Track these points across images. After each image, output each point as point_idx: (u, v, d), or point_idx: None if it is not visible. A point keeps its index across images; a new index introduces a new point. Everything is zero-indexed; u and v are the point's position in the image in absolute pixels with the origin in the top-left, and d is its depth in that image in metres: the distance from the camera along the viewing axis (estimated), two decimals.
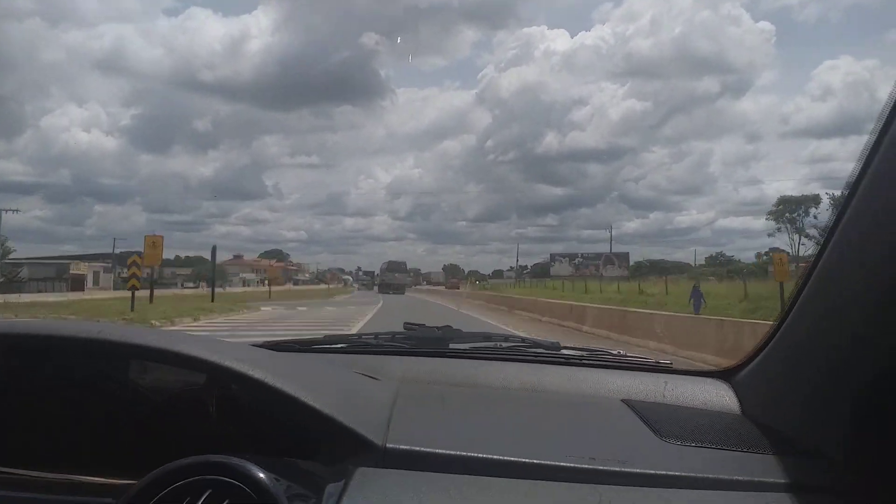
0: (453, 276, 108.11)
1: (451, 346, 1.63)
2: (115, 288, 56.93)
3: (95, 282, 58.82)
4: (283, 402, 0.84)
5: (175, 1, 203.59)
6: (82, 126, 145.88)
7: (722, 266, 69.32)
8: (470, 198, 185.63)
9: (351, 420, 0.86)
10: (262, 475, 0.71)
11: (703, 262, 79.25)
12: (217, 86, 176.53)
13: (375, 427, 0.88)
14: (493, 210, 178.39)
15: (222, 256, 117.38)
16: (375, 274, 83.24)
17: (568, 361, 1.50)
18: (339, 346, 1.65)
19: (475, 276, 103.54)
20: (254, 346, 1.32)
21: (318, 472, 0.80)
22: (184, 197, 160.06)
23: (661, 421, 1.06)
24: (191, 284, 78.92)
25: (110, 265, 62.49)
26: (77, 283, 51.58)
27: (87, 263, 60.59)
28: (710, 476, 0.84)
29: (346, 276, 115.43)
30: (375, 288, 74.52)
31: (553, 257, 72.15)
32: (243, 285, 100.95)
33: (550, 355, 1.55)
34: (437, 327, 1.80)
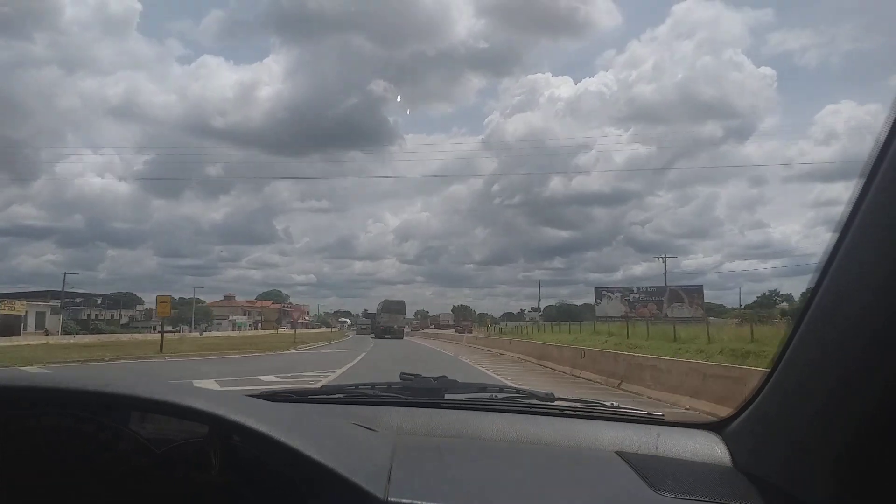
0: (464, 318, 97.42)
1: (447, 396, 1.64)
2: (66, 331, 50.08)
3: (39, 324, 49.62)
4: (285, 454, 0.85)
5: (188, 49, 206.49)
6: (96, 171, 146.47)
7: (771, 308, 59.94)
8: (477, 241, 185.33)
9: (352, 473, 0.86)
10: None
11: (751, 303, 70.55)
12: (228, 132, 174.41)
13: (376, 479, 0.89)
14: (501, 253, 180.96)
15: (213, 297, 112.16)
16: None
17: (562, 413, 1.52)
18: (335, 396, 1.68)
19: (489, 319, 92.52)
20: (250, 395, 1.36)
21: None
22: (195, 241, 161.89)
23: (655, 474, 1.08)
24: (170, 328, 70.35)
25: (59, 305, 53.53)
26: (8, 327, 42.46)
27: (23, 302, 51.63)
28: None
29: (344, 319, 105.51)
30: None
31: (599, 293, 55.67)
32: (233, 328, 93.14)
33: (545, 406, 1.58)
34: (433, 378, 1.83)
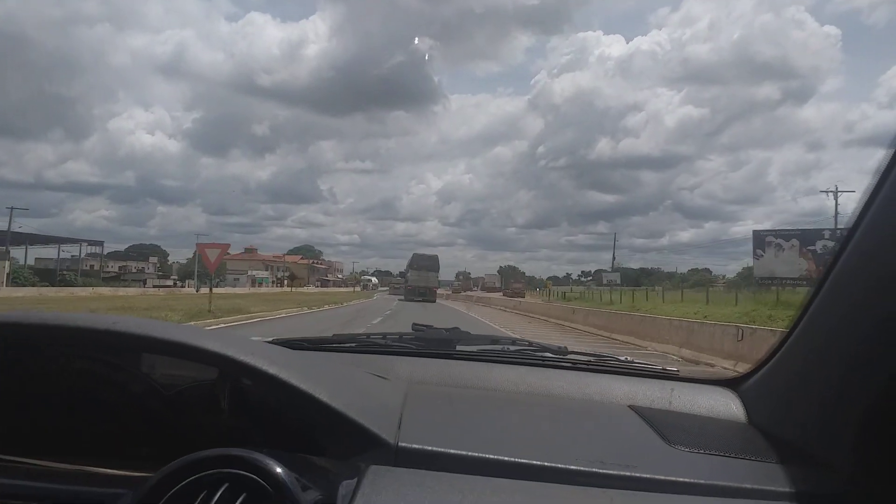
0: (515, 281, 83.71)
1: (459, 347, 1.64)
2: (10, 283, 40.34)
3: None
4: (295, 398, 0.84)
5: (235, 6, 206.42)
6: (147, 129, 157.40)
7: None
8: (520, 204, 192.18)
9: (363, 418, 0.86)
10: (279, 470, 0.70)
11: None
12: (274, 90, 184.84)
13: (387, 426, 0.89)
14: (543, 217, 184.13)
15: (235, 249, 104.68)
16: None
17: (575, 366, 1.51)
18: (348, 345, 1.68)
19: (548, 281, 77.96)
20: (265, 342, 1.34)
21: (332, 469, 0.79)
22: (242, 199, 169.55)
23: (669, 427, 1.07)
24: (169, 283, 60.26)
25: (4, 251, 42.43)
26: None
27: None
28: (719, 483, 0.85)
29: (369, 278, 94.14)
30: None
31: (761, 239, 32.45)
32: (252, 285, 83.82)
33: (558, 360, 1.56)
34: (445, 329, 1.84)
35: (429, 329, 1.85)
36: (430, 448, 0.85)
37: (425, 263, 48.36)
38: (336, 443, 0.84)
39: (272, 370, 0.84)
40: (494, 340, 1.77)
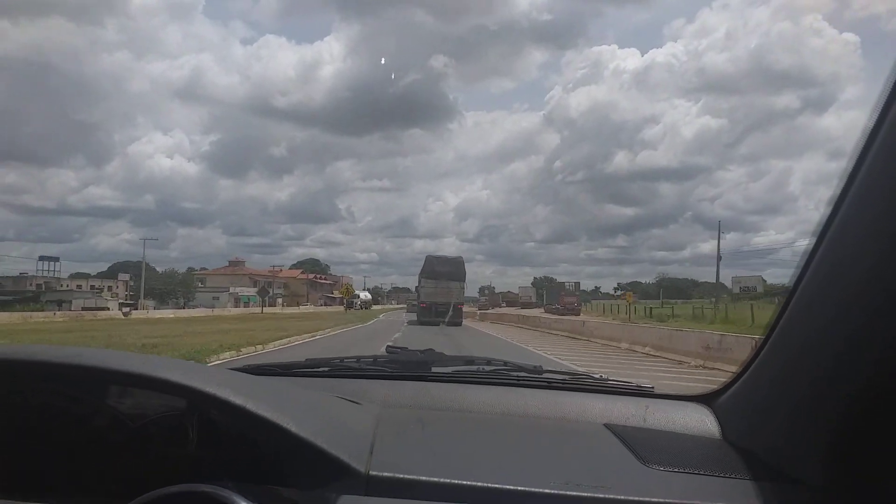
0: (567, 293, 66.07)
1: (434, 369, 1.62)
2: None
3: None
4: (263, 428, 0.83)
5: (251, 30, 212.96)
6: (166, 153, 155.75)
7: None
8: (538, 219, 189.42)
9: (333, 446, 0.85)
10: None
11: None
12: (291, 112, 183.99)
13: (358, 453, 0.88)
14: (562, 231, 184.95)
15: (220, 263, 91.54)
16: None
17: (550, 385, 1.50)
18: (320, 369, 1.64)
19: (628, 293, 58.02)
20: (233, 370, 1.33)
21: (301, 501, 0.80)
22: (261, 220, 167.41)
23: (644, 446, 1.07)
24: (126, 309, 45.86)
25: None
26: None
27: None
28: (693, 502, 0.85)
29: (358, 293, 75.23)
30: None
31: None
32: (236, 304, 69.93)
33: (533, 379, 1.55)
34: (419, 351, 1.81)
35: (403, 351, 1.81)
36: (401, 476, 0.83)
37: (445, 269, 32.18)
38: (306, 473, 0.83)
39: (238, 400, 0.83)
40: (469, 361, 1.73)
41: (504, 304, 77.43)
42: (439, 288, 31.64)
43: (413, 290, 46.14)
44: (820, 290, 0.88)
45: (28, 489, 0.86)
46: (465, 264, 34.13)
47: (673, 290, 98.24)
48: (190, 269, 77.07)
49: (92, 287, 65.44)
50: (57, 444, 0.92)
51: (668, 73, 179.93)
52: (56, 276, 63.46)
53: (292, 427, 0.83)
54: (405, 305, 67.95)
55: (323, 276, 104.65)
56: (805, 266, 0.90)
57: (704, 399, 1.29)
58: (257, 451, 0.86)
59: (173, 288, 66.06)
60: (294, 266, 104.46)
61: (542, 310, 65.79)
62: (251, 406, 0.82)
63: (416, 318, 32.93)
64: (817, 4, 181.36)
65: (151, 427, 0.92)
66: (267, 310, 54.47)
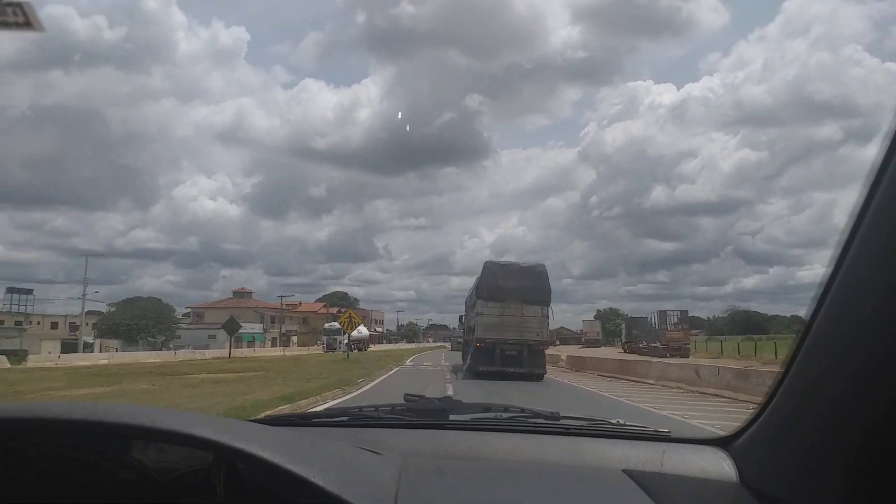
0: (669, 328, 49.49)
1: (452, 417, 1.63)
2: None
3: None
4: (290, 481, 0.83)
5: (291, 74, 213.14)
6: (209, 195, 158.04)
7: None
8: (575, 255, 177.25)
9: (359, 498, 0.85)
10: None
11: None
12: (329, 153, 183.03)
13: None
14: (599, 267, 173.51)
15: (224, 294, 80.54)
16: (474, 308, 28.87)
17: (567, 431, 1.51)
18: (339, 419, 1.66)
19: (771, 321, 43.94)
20: (252, 421, 1.35)
21: None
22: (300, 261, 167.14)
23: (663, 492, 1.07)
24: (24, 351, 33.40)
25: None
26: None
27: None
28: None
29: (332, 324, 54.28)
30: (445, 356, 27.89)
31: None
32: (237, 344, 57.03)
33: (550, 425, 1.56)
34: (437, 398, 1.82)
35: (421, 399, 1.82)
36: None
37: (518, 284, 18.36)
38: None
39: (265, 455, 0.83)
40: (486, 408, 1.76)
41: (558, 343, 63.85)
42: (507, 315, 18.12)
43: (457, 323, 32.88)
44: (830, 328, 0.88)
45: None
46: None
47: (747, 325, 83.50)
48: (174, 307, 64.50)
49: (52, 324, 54.92)
50: (85, 498, 0.92)
51: (704, 106, 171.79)
52: (25, 310, 53.13)
53: (319, 480, 0.82)
54: (447, 344, 55.06)
55: (341, 310, 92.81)
56: (819, 301, 0.89)
57: (721, 442, 1.29)
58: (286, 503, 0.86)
59: (145, 324, 54.35)
60: (320, 300, 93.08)
61: (622, 349, 51.96)
62: (278, 460, 0.83)
63: (461, 364, 20.36)
64: (857, 35, 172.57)
65: (178, 482, 0.93)
66: (259, 351, 42.08)
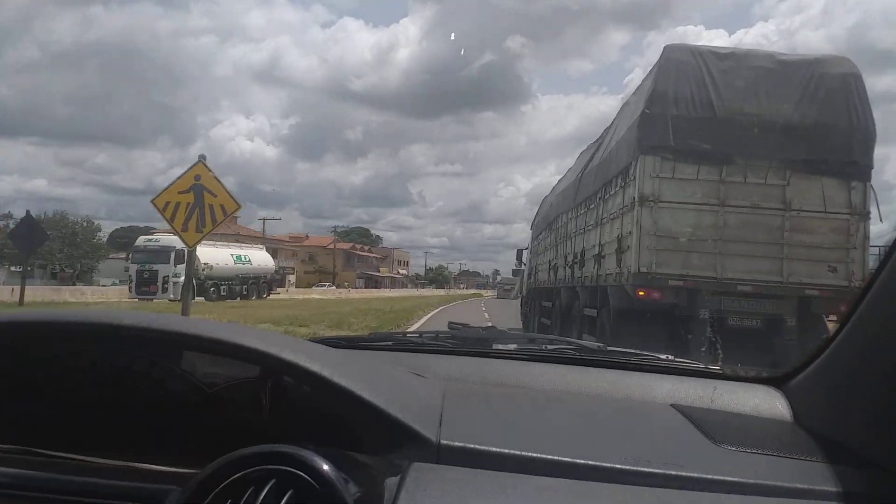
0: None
1: (496, 346, 1.64)
2: None
3: None
4: (337, 396, 0.84)
5: (330, 13, 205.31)
6: (247, 136, 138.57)
7: None
8: None
9: (405, 415, 0.86)
10: (326, 467, 0.70)
11: None
12: (366, 95, 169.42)
13: (428, 423, 0.89)
14: None
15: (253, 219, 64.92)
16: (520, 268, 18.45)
17: (614, 364, 1.50)
18: (384, 343, 1.68)
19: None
20: (305, 340, 1.36)
21: (374, 466, 0.80)
22: (336, 203, 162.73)
23: (713, 426, 1.05)
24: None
25: None
26: None
27: None
28: (768, 483, 0.83)
29: (256, 249, 34.00)
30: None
31: None
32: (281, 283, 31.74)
33: (596, 357, 1.56)
34: (481, 327, 1.86)
35: (465, 327, 1.85)
36: (472, 446, 0.84)
37: (770, 110, 6.09)
38: (377, 440, 0.84)
39: (314, 367, 0.84)
40: (531, 339, 1.77)
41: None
42: (734, 205, 6.09)
43: (487, 274, 19.89)
44: None
45: (109, 447, 0.88)
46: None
47: None
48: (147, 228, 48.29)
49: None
50: (136, 405, 0.95)
51: None
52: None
53: (366, 395, 0.83)
54: (484, 292, 43.67)
55: (365, 248, 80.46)
56: (889, 252, 0.89)
57: (775, 381, 1.28)
58: (330, 418, 0.87)
59: (49, 249, 39.81)
60: (335, 233, 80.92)
61: None
62: (326, 373, 0.84)
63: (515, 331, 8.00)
64: None
65: (224, 393, 0.95)
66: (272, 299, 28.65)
